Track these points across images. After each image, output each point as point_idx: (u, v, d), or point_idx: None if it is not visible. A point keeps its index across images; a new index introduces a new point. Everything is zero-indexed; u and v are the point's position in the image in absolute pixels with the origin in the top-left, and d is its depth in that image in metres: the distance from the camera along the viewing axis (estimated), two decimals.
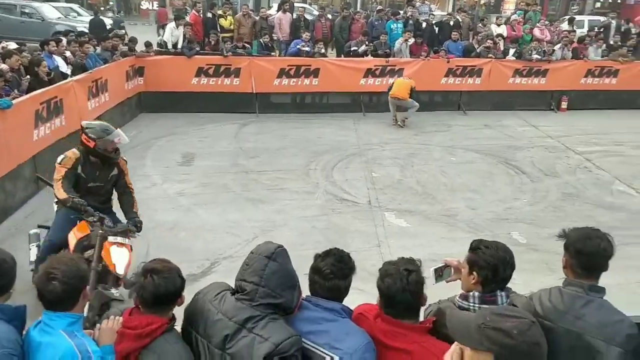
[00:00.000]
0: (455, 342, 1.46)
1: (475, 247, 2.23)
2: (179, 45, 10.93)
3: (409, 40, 11.47)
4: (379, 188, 7.29)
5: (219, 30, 11.78)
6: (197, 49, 10.80)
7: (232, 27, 12.00)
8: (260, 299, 1.99)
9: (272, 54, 11.35)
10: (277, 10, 12.99)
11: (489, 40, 11.78)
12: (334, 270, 2.10)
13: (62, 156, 4.12)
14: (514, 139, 9.90)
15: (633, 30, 13.51)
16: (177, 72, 10.51)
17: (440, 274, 2.37)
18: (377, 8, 14.10)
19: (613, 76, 12.24)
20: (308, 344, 2.01)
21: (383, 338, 2.02)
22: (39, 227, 4.57)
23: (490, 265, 2.16)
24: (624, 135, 10.26)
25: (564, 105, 12.12)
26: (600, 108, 12.23)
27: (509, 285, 2.22)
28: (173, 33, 11.31)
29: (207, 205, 6.50)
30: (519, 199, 7.04)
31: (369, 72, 11.23)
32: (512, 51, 12.01)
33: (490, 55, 11.54)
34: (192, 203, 6.56)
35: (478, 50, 11.66)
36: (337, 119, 10.86)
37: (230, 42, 11.20)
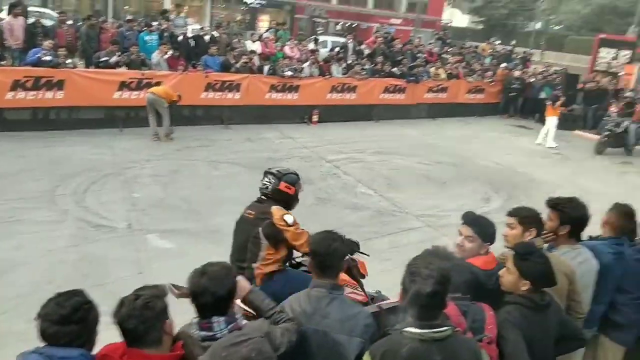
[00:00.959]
0: None
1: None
2: None
3: (167, 53, 11.16)
4: (141, 209, 6.88)
5: None
6: None
7: None
8: None
9: (2, 63, 9.78)
10: (8, 14, 11.26)
11: (244, 56, 12.22)
12: (64, 314, 1.86)
13: (289, 216, 3.36)
14: (274, 150, 10.44)
15: (366, 52, 15.57)
16: None
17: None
18: (126, 18, 13.33)
19: (353, 92, 13.91)
20: None
21: None
22: None
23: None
24: (363, 143, 11.71)
25: (315, 118, 13.28)
26: (345, 120, 13.76)
27: None
28: None
29: None
30: None
31: (124, 85, 10.58)
32: (266, 67, 12.67)
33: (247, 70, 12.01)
34: None
35: (238, 66, 11.99)
36: (89, 136, 9.94)
37: None
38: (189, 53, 12.23)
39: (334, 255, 2.35)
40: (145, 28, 11.85)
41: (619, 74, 18.11)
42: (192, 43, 12.62)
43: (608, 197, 8.05)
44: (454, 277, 2.04)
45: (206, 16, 34.61)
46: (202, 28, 14.04)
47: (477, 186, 9.32)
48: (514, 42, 25.80)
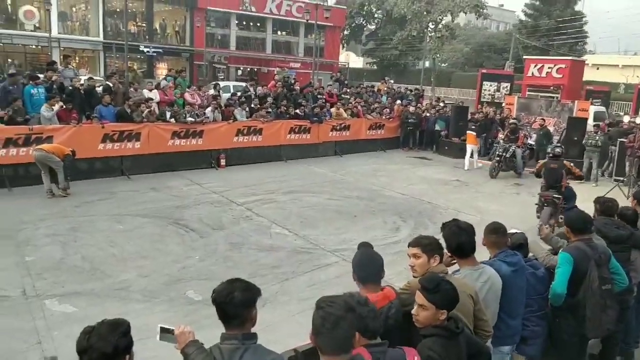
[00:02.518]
0: None
1: None
2: None
3: (55, 105, 10.53)
4: (36, 273, 6.29)
5: None
6: None
7: None
8: None
9: None
10: None
11: (142, 105, 11.88)
12: None
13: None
14: (181, 198, 10.09)
15: (268, 96, 15.80)
16: None
17: (167, 332, 2.43)
18: (10, 72, 12.54)
19: (259, 134, 13.95)
20: None
21: None
22: None
23: None
24: (274, 184, 11.71)
25: (222, 162, 13.11)
26: (253, 162, 13.73)
27: None
28: None
29: None
30: (191, 256, 7.12)
31: (10, 142, 9.83)
32: (168, 114, 12.39)
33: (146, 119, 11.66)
34: None
35: (143, 115, 11.61)
36: None
37: None
38: (82, 104, 11.66)
39: (236, 305, 2.26)
40: (30, 82, 11.14)
41: (502, 104, 19.80)
42: (84, 94, 12.03)
43: (505, 216, 8.66)
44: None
45: (99, 66, 33.53)
46: (91, 78, 13.44)
47: (386, 217, 9.59)
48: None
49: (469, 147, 15.16)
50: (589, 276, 3.73)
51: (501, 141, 14.69)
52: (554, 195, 8.73)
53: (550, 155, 9.40)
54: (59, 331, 5.00)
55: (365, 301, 2.26)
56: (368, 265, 2.84)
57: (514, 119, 16.00)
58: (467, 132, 15.55)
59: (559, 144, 11.07)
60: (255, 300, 2.30)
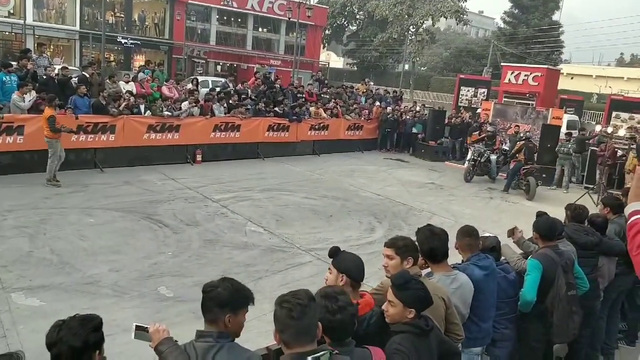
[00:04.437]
0: None
1: None
2: None
3: (27, 94, 10.24)
4: (2, 265, 6.12)
5: None
6: None
7: None
8: None
9: None
10: None
11: (122, 99, 11.68)
12: None
13: None
14: (155, 193, 9.95)
15: (247, 92, 15.72)
16: None
17: (141, 330, 2.40)
18: None
19: (237, 130, 13.85)
20: None
21: None
22: None
23: None
24: (250, 181, 11.64)
25: (199, 157, 12.97)
26: (230, 159, 13.63)
27: None
28: None
29: None
30: (164, 252, 7.02)
31: None
32: (142, 107, 12.19)
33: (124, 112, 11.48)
34: None
35: (121, 109, 11.41)
36: None
37: None
38: (56, 94, 11.36)
39: (210, 301, 2.25)
40: (2, 69, 10.83)
41: (478, 110, 20.07)
42: (57, 83, 11.74)
43: (478, 220, 8.78)
44: None
45: (75, 56, 32.87)
46: (65, 67, 13.11)
47: (362, 217, 9.63)
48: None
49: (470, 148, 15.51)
50: (556, 283, 3.80)
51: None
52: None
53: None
54: (24, 325, 4.87)
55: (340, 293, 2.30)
56: (361, 267, 2.81)
57: (491, 125, 16.25)
58: (473, 133, 15.90)
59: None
60: (235, 306, 2.24)
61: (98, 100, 11.39)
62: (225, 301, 2.23)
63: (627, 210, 1.56)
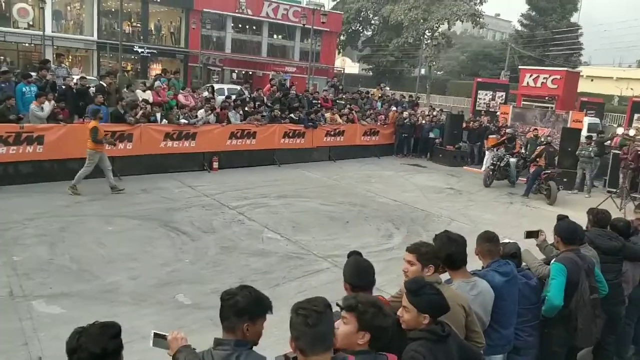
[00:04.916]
0: None
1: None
2: None
3: (45, 104, 10.38)
4: (23, 273, 6.19)
5: None
6: None
7: None
8: None
9: None
10: None
11: (138, 107, 11.80)
12: None
13: None
14: (172, 200, 10.01)
15: (265, 99, 15.79)
16: None
17: (160, 338, 2.43)
18: (2, 69, 12.43)
19: (252, 137, 13.89)
20: None
21: None
22: None
23: None
24: (266, 188, 11.64)
25: (215, 165, 13.03)
26: (246, 166, 13.67)
27: None
28: None
29: None
30: (182, 259, 7.05)
31: (0, 140, 9.72)
32: (159, 115, 12.30)
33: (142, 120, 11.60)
34: None
35: (138, 117, 11.55)
36: None
37: None
38: (74, 104, 11.56)
39: (228, 309, 2.24)
40: (22, 79, 11.04)
41: (497, 114, 19.87)
42: (76, 93, 11.93)
43: (498, 226, 8.66)
44: None
45: (93, 66, 33.42)
46: (83, 77, 13.30)
47: (379, 223, 9.56)
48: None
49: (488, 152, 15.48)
50: (580, 287, 3.72)
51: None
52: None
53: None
54: (45, 332, 4.91)
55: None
56: (361, 273, 2.81)
57: (509, 127, 16.07)
58: (490, 136, 15.87)
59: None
60: (253, 315, 2.24)
61: (117, 109, 11.51)
62: (243, 310, 2.22)
63: None
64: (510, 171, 13.99)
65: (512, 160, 14.00)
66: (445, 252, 3.14)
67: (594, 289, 3.86)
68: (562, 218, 4.21)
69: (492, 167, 13.99)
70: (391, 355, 2.30)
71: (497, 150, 14.42)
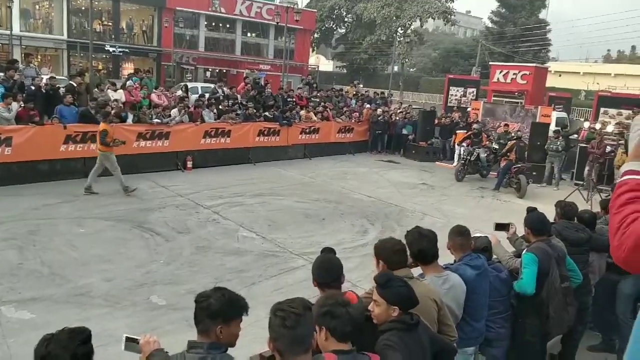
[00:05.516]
0: None
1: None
2: None
3: (12, 104, 10.14)
4: None
5: None
6: None
7: None
8: None
9: None
10: None
11: (108, 106, 11.59)
12: None
13: None
14: (146, 201, 9.88)
15: (239, 98, 15.71)
16: None
17: (132, 341, 2.42)
18: None
19: (227, 136, 13.81)
20: None
21: None
22: None
23: None
24: (241, 186, 11.59)
25: (189, 164, 12.90)
26: (221, 165, 13.58)
27: None
28: None
29: None
30: (156, 260, 6.98)
31: None
32: (131, 116, 12.12)
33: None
34: None
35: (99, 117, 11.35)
36: None
37: None
38: (44, 104, 11.31)
39: (201, 312, 2.24)
40: None
41: (468, 109, 20.16)
42: (45, 93, 11.69)
43: (470, 219, 8.80)
44: None
45: (63, 65, 32.68)
46: (52, 77, 13.03)
47: (354, 220, 9.62)
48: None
49: (458, 147, 15.87)
50: (551, 275, 3.83)
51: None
52: None
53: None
54: (15, 338, 4.82)
55: (345, 302, 2.26)
56: (328, 270, 2.85)
57: (477, 122, 16.32)
58: (457, 131, 16.24)
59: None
60: (227, 317, 2.22)
61: (86, 109, 11.31)
62: (216, 312, 2.21)
63: (622, 168, 1.49)
64: (481, 164, 14.23)
65: (482, 154, 14.20)
66: (417, 247, 3.20)
67: (565, 277, 3.97)
68: (531, 210, 4.32)
69: (463, 161, 14.21)
70: (373, 355, 2.32)
71: (466, 145, 14.67)
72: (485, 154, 14.28)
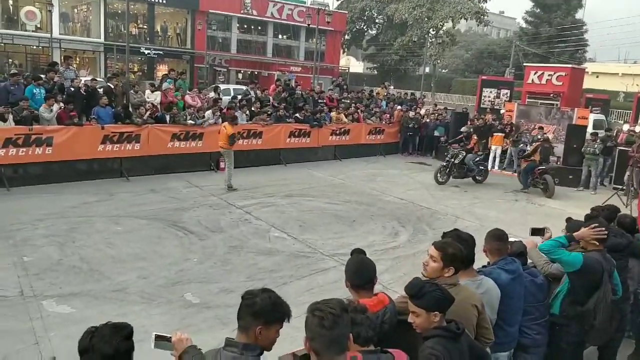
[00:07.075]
0: None
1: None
2: None
3: (53, 106, 10.49)
4: (34, 274, 6.27)
5: None
6: None
7: None
8: None
9: None
10: None
11: (142, 108, 11.88)
12: None
13: None
14: (180, 200, 10.08)
15: (271, 100, 15.85)
16: None
17: (162, 339, 2.44)
18: (11, 71, 12.56)
19: (259, 137, 13.95)
20: None
21: None
22: None
23: None
24: (273, 187, 11.69)
25: (222, 164, 13.05)
26: (252, 165, 13.72)
27: None
28: None
29: None
30: (190, 259, 7.11)
31: (10, 142, 9.83)
32: (167, 117, 12.38)
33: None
34: None
35: (138, 118, 11.65)
36: None
37: None
38: (82, 106, 11.67)
39: (245, 309, 2.25)
40: (33, 81, 11.16)
41: (501, 111, 19.82)
42: (85, 95, 12.04)
43: (504, 223, 8.66)
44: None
45: (100, 67, 33.59)
46: (93, 79, 13.43)
47: (385, 222, 9.59)
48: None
49: (494, 148, 15.79)
50: (603, 288, 3.68)
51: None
52: None
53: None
54: (56, 332, 4.98)
55: (363, 309, 2.26)
56: (361, 271, 2.82)
57: (464, 127, 15.64)
58: (494, 134, 15.97)
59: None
60: (268, 319, 2.22)
61: (121, 110, 11.61)
62: (259, 312, 2.21)
63: None
64: (468, 168, 13.58)
65: (469, 156, 13.58)
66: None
67: (613, 291, 3.83)
68: (570, 220, 4.23)
69: (445, 164, 13.52)
70: (398, 353, 2.32)
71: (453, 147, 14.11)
72: (477, 158, 13.79)
